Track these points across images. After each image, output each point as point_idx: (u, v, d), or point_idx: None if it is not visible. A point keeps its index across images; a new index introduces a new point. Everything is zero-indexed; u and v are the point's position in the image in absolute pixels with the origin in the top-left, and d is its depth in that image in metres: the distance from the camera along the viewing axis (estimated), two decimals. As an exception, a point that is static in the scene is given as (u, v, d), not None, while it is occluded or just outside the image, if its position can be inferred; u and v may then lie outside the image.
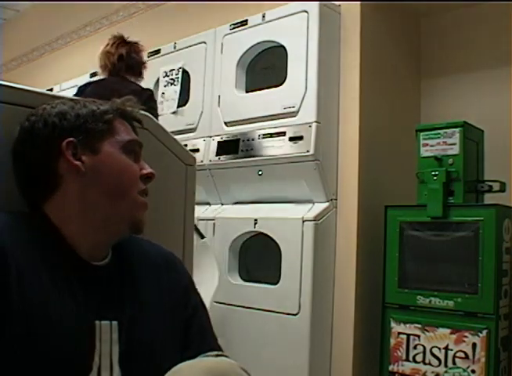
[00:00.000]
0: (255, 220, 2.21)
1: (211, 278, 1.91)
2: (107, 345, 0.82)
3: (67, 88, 3.49)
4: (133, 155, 0.92)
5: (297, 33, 2.19)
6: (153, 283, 0.94)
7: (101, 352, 0.81)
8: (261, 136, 2.26)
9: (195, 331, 0.94)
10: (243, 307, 2.16)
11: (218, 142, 2.42)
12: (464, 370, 1.79)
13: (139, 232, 0.92)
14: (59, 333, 0.78)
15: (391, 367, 1.96)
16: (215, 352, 0.89)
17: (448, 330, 1.84)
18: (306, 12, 2.18)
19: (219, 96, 2.47)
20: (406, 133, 2.20)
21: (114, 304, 0.86)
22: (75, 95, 2.30)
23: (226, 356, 0.87)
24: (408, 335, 1.93)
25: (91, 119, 0.90)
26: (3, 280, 0.76)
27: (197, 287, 1.00)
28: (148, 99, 2.17)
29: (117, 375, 0.82)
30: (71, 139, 0.87)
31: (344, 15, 2.26)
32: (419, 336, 1.90)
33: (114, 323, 0.84)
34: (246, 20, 2.41)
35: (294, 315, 2.05)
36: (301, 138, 2.12)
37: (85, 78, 3.35)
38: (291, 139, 2.15)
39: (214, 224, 2.35)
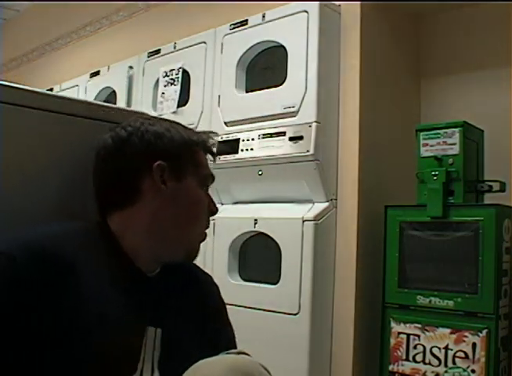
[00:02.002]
0: (255, 220, 2.22)
1: None
2: (150, 350, 0.87)
3: (67, 88, 3.49)
4: (206, 188, 0.97)
5: (297, 33, 2.19)
6: (192, 298, 1.00)
7: (145, 356, 0.87)
8: (261, 136, 2.26)
9: (223, 343, 1.00)
10: (243, 307, 2.16)
11: (218, 142, 2.42)
12: (464, 370, 1.79)
13: (192, 260, 0.99)
14: (116, 334, 0.83)
15: (391, 367, 1.96)
16: (237, 350, 0.92)
17: (448, 330, 1.84)
18: (306, 12, 2.18)
19: (219, 96, 2.47)
20: (406, 133, 2.20)
21: (160, 313, 0.92)
22: None
23: (248, 355, 0.89)
24: (408, 335, 1.93)
25: (182, 146, 0.94)
26: (62, 284, 0.80)
27: None
28: None
29: None
30: (162, 162, 0.91)
31: (344, 15, 2.26)
32: (419, 336, 1.90)
33: (159, 330, 0.89)
34: (247, 20, 2.41)
35: (294, 315, 2.05)
36: (301, 138, 2.12)
37: (85, 78, 3.36)
38: (291, 138, 2.15)
39: (214, 224, 2.35)
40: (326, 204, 2.14)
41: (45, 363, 0.78)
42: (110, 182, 0.92)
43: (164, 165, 0.91)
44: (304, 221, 2.08)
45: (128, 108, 2.42)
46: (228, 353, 0.89)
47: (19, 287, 0.77)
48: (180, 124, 1.01)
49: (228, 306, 1.10)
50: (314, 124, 2.10)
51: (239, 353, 0.89)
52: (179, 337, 0.93)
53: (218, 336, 1.00)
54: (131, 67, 3.01)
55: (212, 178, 1.00)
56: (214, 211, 0.99)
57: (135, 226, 0.91)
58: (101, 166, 0.93)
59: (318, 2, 2.16)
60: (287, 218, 2.15)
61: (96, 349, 0.80)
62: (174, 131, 0.95)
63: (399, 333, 1.95)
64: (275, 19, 2.30)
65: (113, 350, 0.82)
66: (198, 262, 1.03)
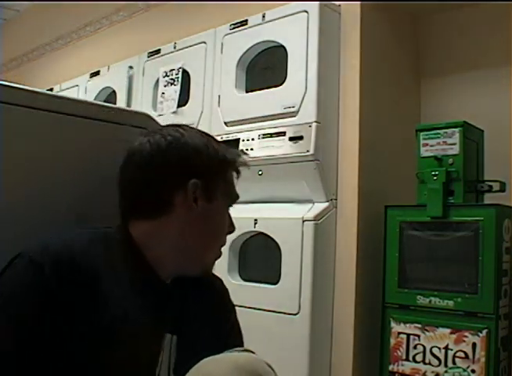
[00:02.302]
0: (255, 220, 2.21)
1: None
2: (167, 356, 0.90)
3: (67, 88, 3.49)
4: (229, 208, 0.98)
5: (297, 33, 2.19)
6: (207, 303, 1.01)
7: (162, 362, 0.89)
8: (261, 136, 2.26)
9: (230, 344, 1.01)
10: (243, 307, 2.16)
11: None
12: (464, 370, 1.79)
13: (206, 276, 1.01)
14: (137, 340, 0.85)
15: (391, 367, 1.96)
16: (242, 348, 0.93)
17: (448, 330, 1.84)
18: (306, 12, 2.18)
19: (219, 96, 2.47)
20: (406, 133, 2.20)
21: (177, 320, 0.93)
22: None
23: (252, 352, 0.90)
24: (408, 335, 1.93)
25: (217, 165, 0.94)
26: (85, 293, 0.81)
27: None
28: None
29: None
30: (197, 180, 0.90)
31: (344, 15, 2.26)
32: (419, 336, 1.90)
33: (175, 336, 0.91)
34: (247, 20, 2.41)
35: (294, 315, 2.05)
36: (301, 138, 2.12)
37: (85, 78, 3.36)
38: (291, 139, 2.15)
39: (214, 224, 2.34)
40: (326, 204, 2.14)
41: (66, 369, 0.79)
42: (141, 190, 0.91)
43: (198, 183, 0.91)
44: (304, 221, 2.08)
45: (128, 108, 2.42)
46: (233, 351, 0.89)
47: (46, 295, 0.79)
48: (213, 138, 0.99)
49: (229, 307, 1.11)
50: (314, 124, 2.10)
51: (243, 351, 0.90)
52: (195, 342, 0.94)
53: (231, 340, 1.01)
54: (131, 67, 3.01)
55: (237, 197, 1.00)
56: (232, 230, 1.01)
57: (161, 238, 0.91)
58: (132, 171, 0.92)
59: (318, 2, 2.16)
60: (287, 218, 2.15)
61: (118, 356, 0.82)
62: (211, 148, 0.94)
63: (399, 333, 1.95)
64: (275, 19, 2.30)
65: (133, 356, 0.84)
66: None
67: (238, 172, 1.00)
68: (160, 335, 0.89)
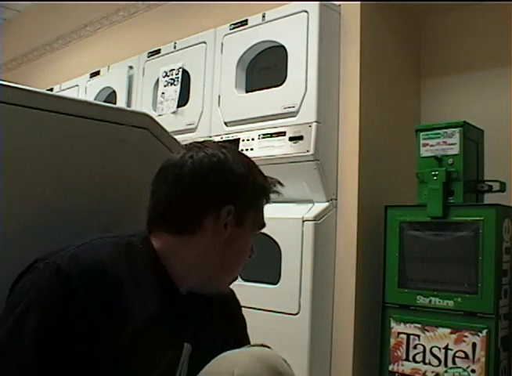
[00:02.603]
0: (255, 220, 2.21)
1: None
2: (180, 365, 0.90)
3: (67, 88, 3.49)
4: (253, 235, 0.98)
5: (297, 33, 2.19)
6: (222, 315, 1.02)
7: (175, 371, 0.89)
8: (261, 136, 2.26)
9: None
10: (243, 307, 2.16)
11: (218, 142, 2.42)
12: (464, 370, 1.79)
13: (220, 295, 1.01)
14: (158, 350, 0.85)
15: (391, 367, 1.96)
16: (259, 343, 0.94)
17: (448, 330, 1.84)
18: (306, 12, 2.18)
19: (219, 96, 2.47)
20: (406, 133, 2.20)
21: (191, 330, 0.93)
22: None
23: (269, 348, 0.91)
24: (408, 335, 1.93)
25: (253, 195, 0.95)
26: (109, 302, 0.82)
27: None
28: None
29: None
30: (232, 207, 0.91)
31: (344, 15, 2.26)
32: (419, 336, 1.90)
33: (189, 346, 0.91)
34: (247, 20, 2.41)
35: (294, 315, 2.05)
36: (301, 138, 2.12)
37: (85, 78, 3.36)
38: (291, 138, 2.15)
39: (214, 224, 2.34)
40: (326, 204, 2.14)
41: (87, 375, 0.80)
42: (175, 204, 0.91)
43: (232, 210, 0.91)
44: (304, 221, 2.08)
45: (128, 108, 2.42)
46: (251, 346, 0.92)
47: (71, 305, 0.79)
48: (252, 162, 1.00)
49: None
50: (314, 124, 2.10)
51: (262, 346, 0.91)
52: (208, 355, 0.93)
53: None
54: (131, 67, 3.01)
55: (264, 225, 1.01)
56: (251, 256, 1.01)
57: (182, 255, 0.91)
58: (169, 184, 0.91)
59: (318, 2, 2.16)
60: (287, 218, 2.15)
61: (138, 364, 0.83)
62: (252, 176, 0.95)
63: (399, 333, 1.95)
64: (275, 19, 2.30)
65: (153, 364, 0.84)
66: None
67: (268, 199, 1.01)
68: (179, 345, 0.90)
